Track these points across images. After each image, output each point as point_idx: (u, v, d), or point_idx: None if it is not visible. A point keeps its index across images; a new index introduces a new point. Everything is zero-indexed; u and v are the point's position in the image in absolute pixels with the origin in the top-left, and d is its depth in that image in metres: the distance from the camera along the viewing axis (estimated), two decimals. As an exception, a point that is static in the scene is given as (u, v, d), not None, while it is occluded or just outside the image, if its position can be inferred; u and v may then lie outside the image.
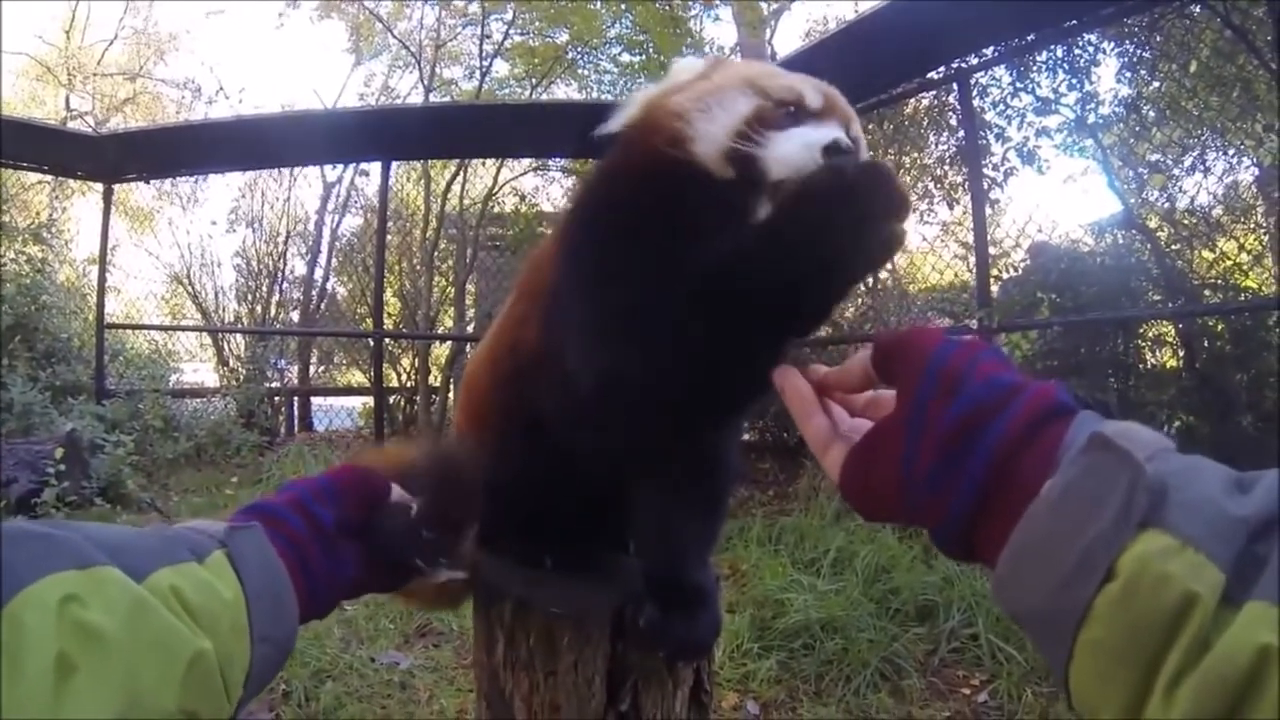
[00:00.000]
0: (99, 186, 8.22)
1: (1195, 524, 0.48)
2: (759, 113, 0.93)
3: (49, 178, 9.72)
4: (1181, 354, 4.90)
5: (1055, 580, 0.52)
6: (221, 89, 15.68)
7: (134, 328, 9.62)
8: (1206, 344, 4.71)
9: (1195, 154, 6.20)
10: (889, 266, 7.49)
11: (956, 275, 6.95)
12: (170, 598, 0.64)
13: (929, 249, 7.06)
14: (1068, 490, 0.54)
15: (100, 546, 0.63)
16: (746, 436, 6.79)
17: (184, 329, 9.91)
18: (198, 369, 9.82)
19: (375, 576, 0.93)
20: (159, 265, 10.08)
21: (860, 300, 7.33)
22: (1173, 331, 5.01)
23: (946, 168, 7.22)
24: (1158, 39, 5.85)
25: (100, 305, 7.92)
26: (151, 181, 9.06)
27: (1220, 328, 4.63)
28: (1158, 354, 5.21)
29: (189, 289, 9.87)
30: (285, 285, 10.24)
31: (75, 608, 0.57)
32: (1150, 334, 5.14)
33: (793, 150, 0.88)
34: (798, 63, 5.35)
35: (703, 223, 0.88)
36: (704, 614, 1.07)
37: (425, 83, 8.91)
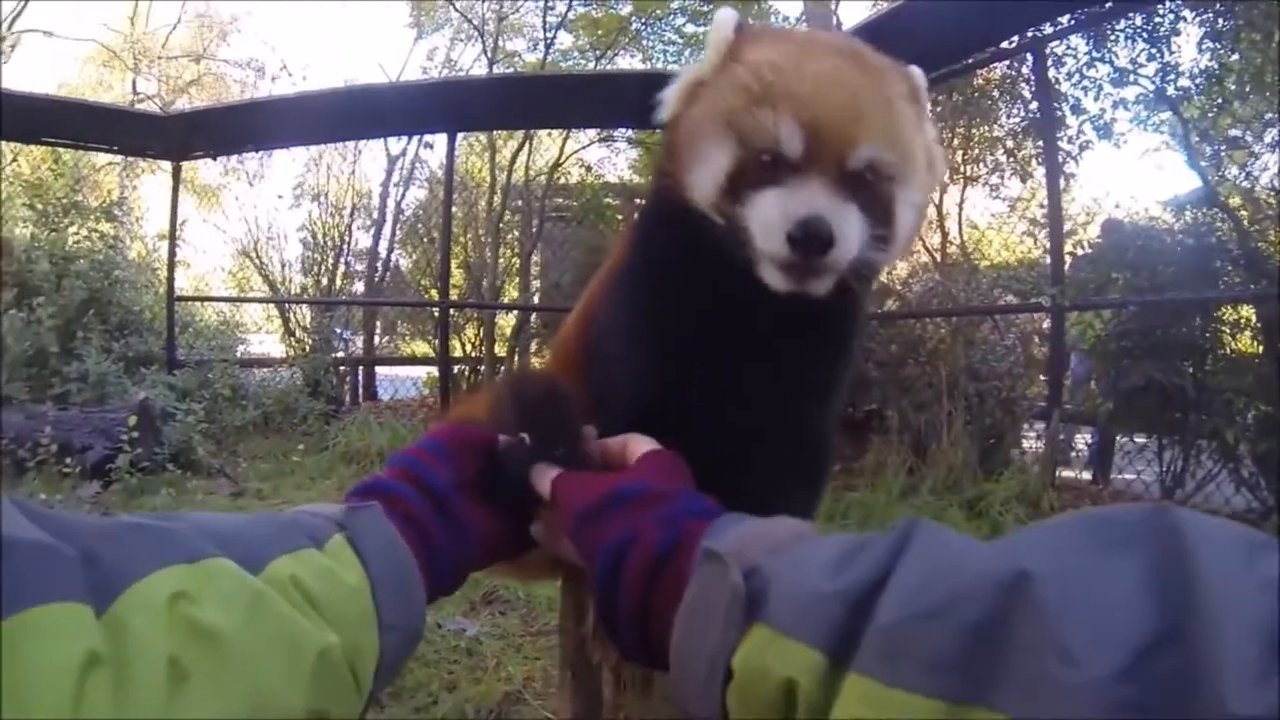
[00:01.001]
0: (167, 165, 8.41)
1: (788, 613, 0.52)
2: (738, 166, 0.83)
3: (119, 158, 10.00)
4: (1261, 339, 4.72)
5: (698, 686, 0.57)
6: (285, 67, 16.00)
7: (203, 299, 9.88)
8: (1288, 329, 4.53)
9: (1277, 129, 5.95)
10: (956, 241, 7.36)
11: (1026, 252, 6.80)
12: (290, 588, 0.59)
13: (999, 224, 6.92)
14: (692, 603, 0.60)
15: (210, 537, 0.58)
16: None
17: (251, 300, 10.12)
18: (264, 340, 10.03)
19: (501, 538, 0.88)
20: (226, 240, 10.30)
21: (928, 275, 7.21)
22: (1252, 315, 4.82)
23: (1019, 140, 7.04)
24: (1240, 7, 5.61)
25: (170, 279, 8.15)
26: (218, 159, 9.23)
27: (1303, 313, 4.45)
28: (1236, 339, 5.02)
29: (255, 262, 10.05)
30: (350, 257, 10.39)
31: (186, 605, 0.52)
32: (1229, 317, 4.95)
33: (761, 230, 0.80)
34: (865, 32, 5.25)
35: (723, 277, 0.84)
36: None
37: (488, 55, 8.91)
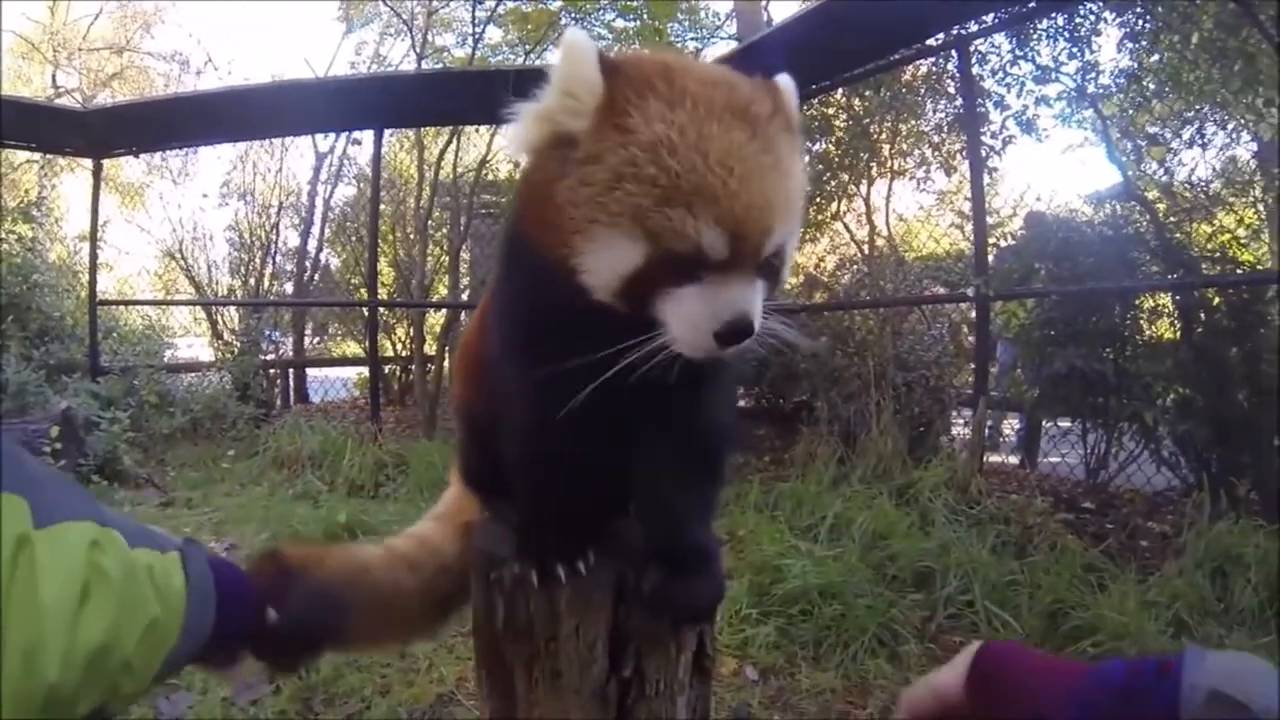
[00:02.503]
0: (88, 163, 8.13)
1: None
2: (648, 264, 0.80)
3: (37, 155, 9.63)
4: (1178, 326, 4.89)
5: None
6: (210, 61, 15.53)
7: (127, 303, 9.58)
8: (1203, 317, 4.70)
9: (1195, 127, 6.19)
10: (884, 234, 7.50)
11: (953, 244, 6.95)
12: (143, 571, 0.81)
13: (925, 217, 7.06)
14: None
15: (107, 518, 0.81)
16: (743, 403, 6.81)
17: (177, 303, 9.85)
18: (192, 343, 9.78)
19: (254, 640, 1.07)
20: (151, 240, 10.02)
21: (856, 267, 7.32)
22: (1170, 304, 5.00)
23: (944, 135, 7.19)
24: (1160, 9, 5.80)
25: (92, 282, 7.88)
26: (141, 156, 8.97)
27: (1217, 301, 4.62)
28: (1155, 326, 5.20)
29: (181, 263, 9.79)
30: (278, 257, 10.18)
31: (97, 552, 0.75)
32: (1147, 306, 5.13)
33: (686, 331, 0.80)
34: (795, 28, 5.31)
35: (594, 334, 0.82)
36: (707, 578, 1.05)
37: (417, 50, 8.77)
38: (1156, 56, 6.15)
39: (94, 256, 7.93)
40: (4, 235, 8.33)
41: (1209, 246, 5.35)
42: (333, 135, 9.48)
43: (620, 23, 8.69)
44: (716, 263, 0.80)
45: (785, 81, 0.92)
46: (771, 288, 0.86)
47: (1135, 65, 6.17)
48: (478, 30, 8.40)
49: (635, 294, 0.82)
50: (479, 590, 1.17)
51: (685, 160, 0.78)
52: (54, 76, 15.24)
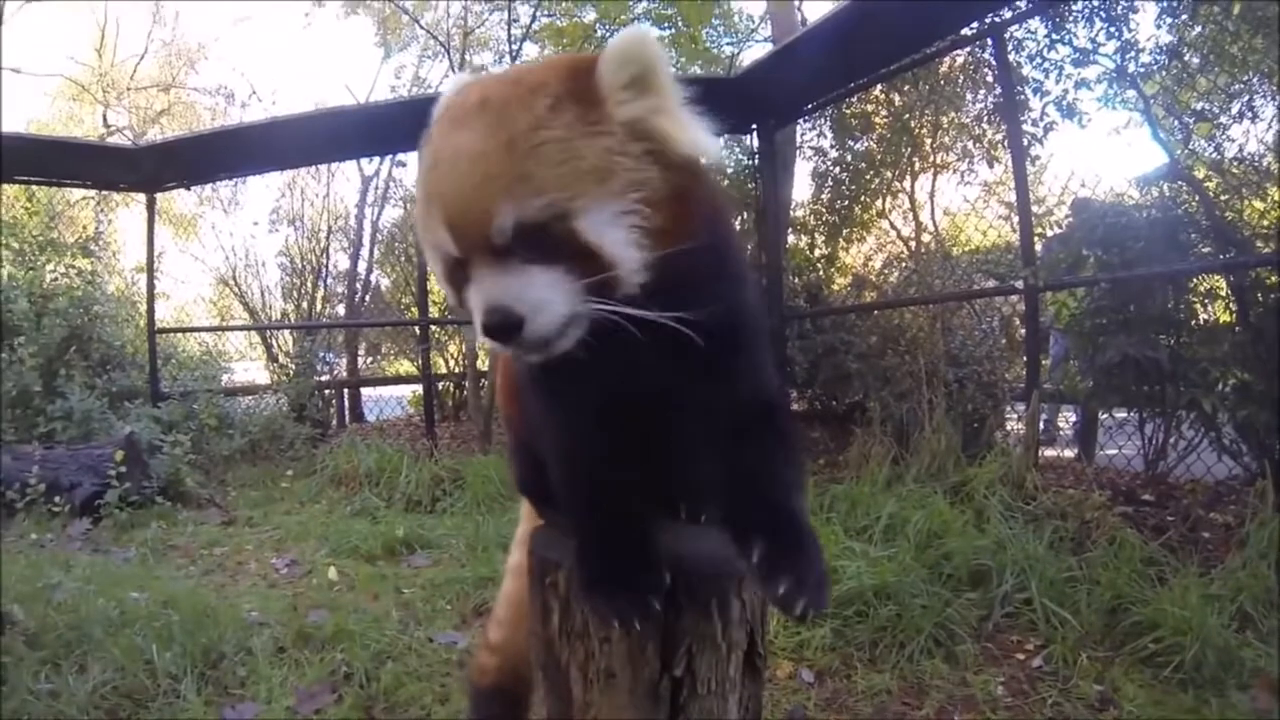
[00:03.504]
0: (141, 197, 8.38)
1: None
2: (443, 273, 0.86)
3: (93, 192, 9.95)
4: (1234, 308, 4.76)
5: None
6: (254, 93, 16.00)
7: (184, 330, 9.86)
8: (1260, 297, 4.56)
9: (1242, 100, 6.00)
10: (931, 229, 7.40)
11: (1000, 236, 6.84)
12: None
13: (971, 210, 6.96)
14: None
15: None
16: (796, 406, 6.78)
17: (233, 329, 10.11)
18: (248, 367, 10.01)
19: None
20: (205, 269, 10.29)
21: (904, 265, 7.25)
22: (1224, 285, 4.86)
23: (985, 126, 7.09)
24: (1197, -21, 5.66)
25: (150, 311, 8.12)
26: (192, 188, 9.21)
27: (1274, 279, 4.48)
28: (1209, 309, 5.06)
29: (235, 290, 10.05)
30: (329, 280, 10.38)
31: None
32: (1201, 288, 4.99)
33: (474, 332, 0.82)
34: (828, 27, 5.29)
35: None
36: (814, 549, 0.95)
37: (455, 70, 8.92)
38: (1197, 29, 5.99)
39: (151, 286, 8.17)
40: (65, 270, 8.60)
41: (1263, 223, 5.19)
42: (377, 159, 9.66)
43: (656, 31, 8.75)
44: (463, 260, 0.81)
45: (615, 44, 0.84)
46: (570, 261, 0.78)
47: (1176, 40, 6.01)
48: (514, 47, 8.52)
49: (460, 302, 0.85)
50: (535, 594, 1.20)
51: (421, 174, 0.83)
52: (105, 116, 15.78)
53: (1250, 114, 5.88)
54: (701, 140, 0.85)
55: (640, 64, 0.81)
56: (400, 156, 9.27)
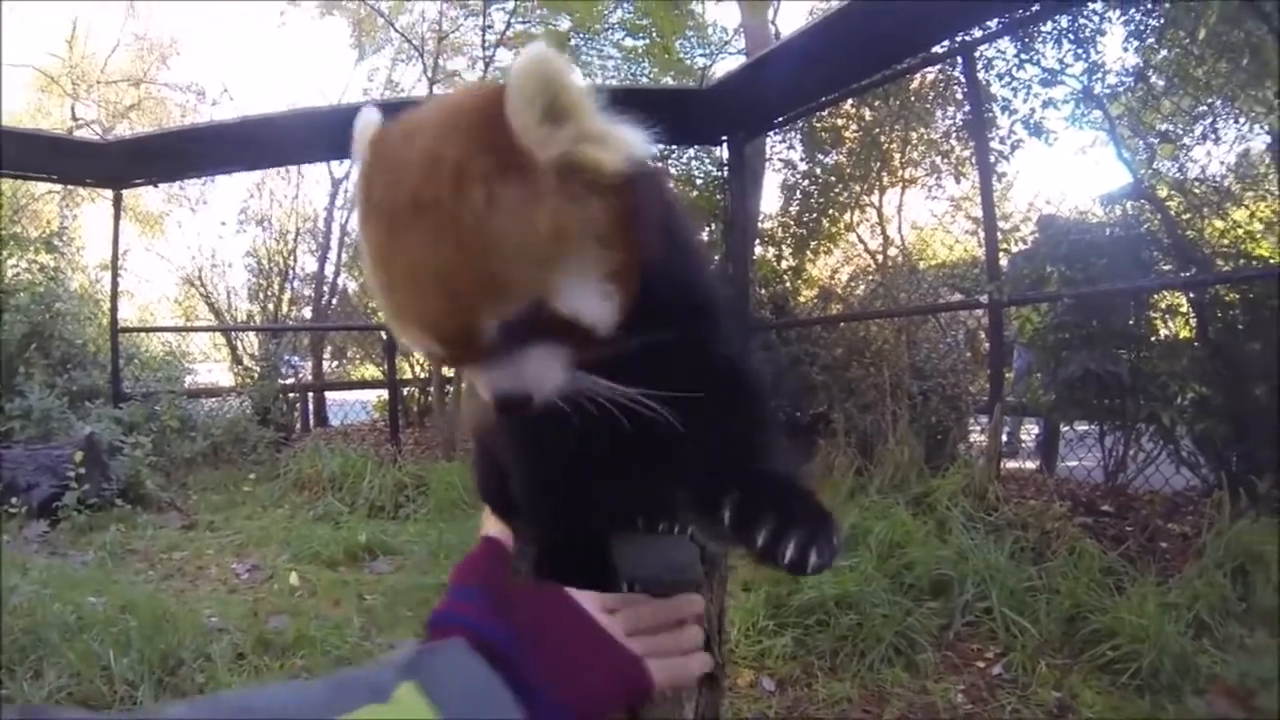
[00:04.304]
0: (108, 193, 8.28)
1: None
2: (432, 359, 0.87)
3: (58, 187, 9.79)
4: (1194, 324, 4.86)
5: None
6: (225, 91, 15.75)
7: (148, 330, 9.74)
8: (1219, 313, 4.66)
9: (1205, 122, 6.13)
10: (898, 243, 7.48)
11: (966, 250, 6.93)
12: None
13: (938, 225, 7.05)
14: None
15: (263, 713, 0.58)
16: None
17: (197, 330, 10.00)
18: (212, 369, 9.92)
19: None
20: (170, 268, 10.21)
21: (870, 278, 7.32)
22: (1185, 301, 4.96)
23: (954, 142, 7.19)
24: (1165, 6, 5.78)
25: (114, 310, 7.99)
26: (160, 185, 9.11)
27: (1233, 297, 4.58)
28: (1170, 324, 5.17)
29: (201, 290, 9.95)
30: (296, 282, 10.32)
31: None
32: (1162, 305, 5.10)
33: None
34: (801, 41, 5.35)
35: None
36: (807, 497, 0.85)
37: (429, 75, 8.90)
38: (1163, 53, 6.12)
39: (115, 284, 8.05)
40: (27, 265, 8.45)
41: (1223, 242, 5.31)
42: (348, 161, 9.56)
43: (630, 41, 8.79)
44: (451, 360, 0.80)
45: (516, 79, 0.72)
46: (557, 335, 0.77)
47: (1142, 63, 6.14)
48: (488, 53, 8.50)
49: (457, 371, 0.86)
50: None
51: (371, 268, 0.76)
52: (73, 109, 15.52)
53: (1213, 136, 6.01)
54: (628, 147, 0.77)
55: (548, 91, 0.73)
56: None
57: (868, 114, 7.45)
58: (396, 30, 9.77)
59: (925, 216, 7.41)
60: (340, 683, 0.63)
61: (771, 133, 7.68)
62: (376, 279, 0.76)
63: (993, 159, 5.99)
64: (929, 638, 3.20)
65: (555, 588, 0.80)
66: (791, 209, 8.05)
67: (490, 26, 8.23)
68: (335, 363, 10.89)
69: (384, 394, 8.95)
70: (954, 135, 7.15)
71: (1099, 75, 6.02)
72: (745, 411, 0.95)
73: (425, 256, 0.72)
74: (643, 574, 1.05)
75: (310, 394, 9.96)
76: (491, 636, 0.69)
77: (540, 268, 0.73)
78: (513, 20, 8.70)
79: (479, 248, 0.71)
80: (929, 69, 6.39)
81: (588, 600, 0.78)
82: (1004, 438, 5.32)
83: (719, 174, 7.45)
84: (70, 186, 9.55)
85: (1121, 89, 6.18)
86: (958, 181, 7.15)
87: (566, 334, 0.76)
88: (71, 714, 0.53)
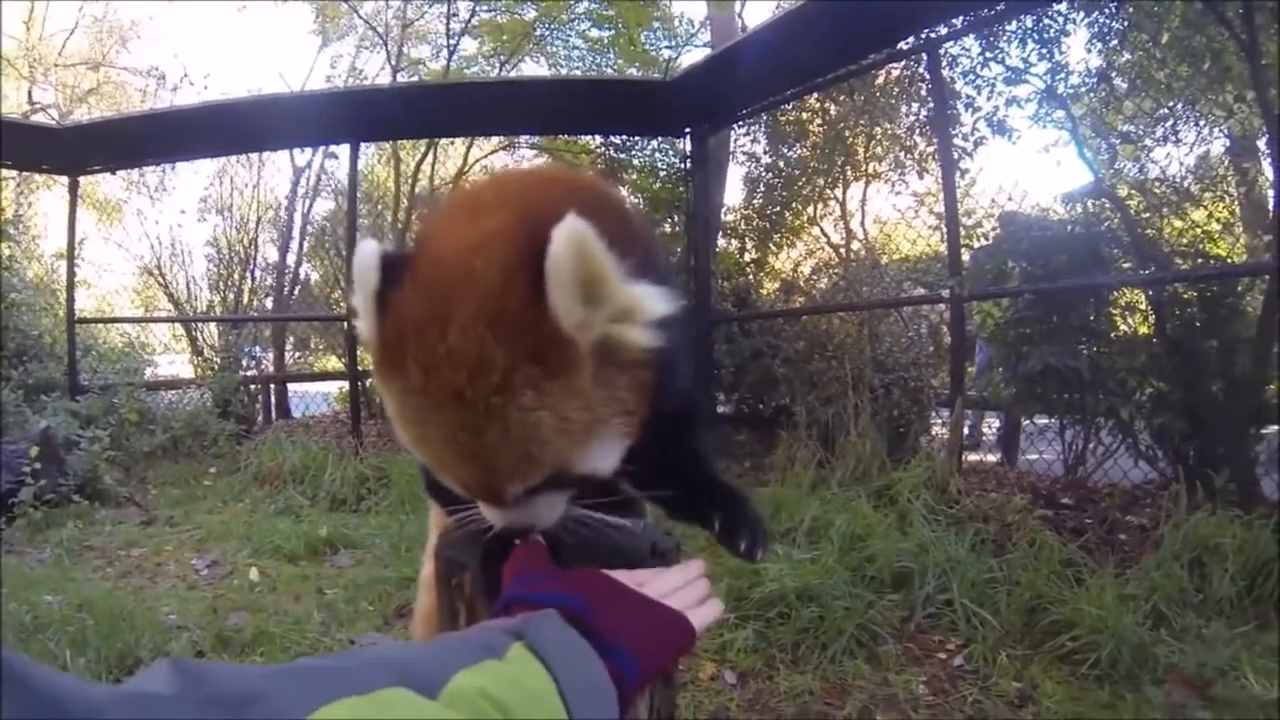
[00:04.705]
0: (64, 179, 8.09)
1: None
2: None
3: (13, 173, 9.55)
4: (1152, 321, 4.94)
5: None
6: (186, 76, 15.52)
7: (105, 321, 9.54)
8: (1177, 311, 4.74)
9: (1166, 124, 6.23)
10: (861, 237, 7.53)
11: (929, 245, 6.98)
12: (479, 700, 0.60)
13: (901, 220, 7.10)
14: None
15: (384, 669, 0.60)
16: (721, 408, 6.83)
17: (156, 320, 9.81)
18: (172, 360, 9.74)
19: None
20: (129, 257, 9.98)
21: (833, 272, 7.36)
22: (1143, 299, 5.04)
23: (917, 138, 7.24)
24: (1128, 9, 5.86)
25: (70, 300, 7.84)
26: (118, 172, 8.93)
27: (1190, 295, 4.66)
28: (1129, 321, 5.25)
29: (160, 280, 9.75)
30: (258, 272, 10.16)
31: None
32: (1121, 301, 5.17)
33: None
34: (766, 35, 5.37)
35: None
36: (749, 504, 1.03)
37: (393, 63, 8.81)
38: (1126, 55, 6.21)
39: (71, 274, 7.89)
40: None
41: (1181, 241, 5.41)
42: (310, 149, 9.47)
43: (595, 32, 8.74)
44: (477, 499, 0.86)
45: (557, 260, 0.70)
46: (570, 480, 0.82)
47: (1105, 65, 6.22)
48: (453, 42, 8.43)
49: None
50: (442, 597, 1.18)
51: (412, 438, 0.80)
52: (30, 92, 15.15)
53: (1173, 138, 6.12)
54: (654, 313, 0.77)
55: (584, 268, 0.71)
56: (332, 148, 9.11)
57: (832, 109, 7.48)
58: (360, 17, 9.65)
59: (888, 211, 7.43)
60: (460, 641, 0.69)
61: (735, 125, 7.69)
62: (407, 432, 0.80)
63: (956, 155, 6.03)
64: (890, 630, 3.23)
65: (595, 570, 0.86)
66: (755, 202, 8.07)
67: (456, 15, 8.15)
68: (297, 354, 10.73)
69: (345, 386, 8.84)
70: (918, 131, 7.20)
71: (1062, 75, 6.11)
72: (695, 431, 1.06)
73: (466, 440, 0.75)
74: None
75: (272, 385, 9.81)
76: (570, 606, 0.74)
77: (572, 447, 0.77)
78: (478, 8, 8.64)
79: (520, 437, 0.74)
80: (894, 65, 6.42)
81: (623, 576, 0.86)
82: (965, 431, 5.37)
83: (682, 166, 7.44)
84: (25, 173, 9.31)
85: (1084, 90, 6.27)
86: (921, 177, 7.19)
87: (578, 484, 0.85)
88: (223, 666, 0.55)
